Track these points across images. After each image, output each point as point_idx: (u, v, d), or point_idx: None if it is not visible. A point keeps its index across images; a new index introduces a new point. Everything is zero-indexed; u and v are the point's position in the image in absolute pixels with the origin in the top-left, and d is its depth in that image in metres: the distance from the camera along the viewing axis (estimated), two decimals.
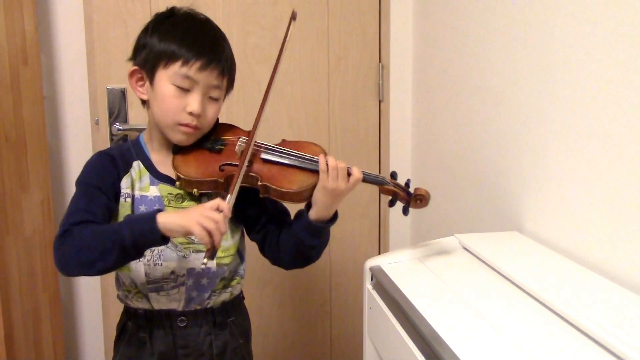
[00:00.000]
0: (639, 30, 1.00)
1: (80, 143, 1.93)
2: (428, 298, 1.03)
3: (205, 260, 1.00)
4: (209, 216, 1.00)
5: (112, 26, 1.84)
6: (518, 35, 1.37)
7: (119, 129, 1.85)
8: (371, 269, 1.21)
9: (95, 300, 2.02)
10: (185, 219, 1.01)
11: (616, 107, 1.06)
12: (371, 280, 1.21)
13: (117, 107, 1.87)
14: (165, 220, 1.01)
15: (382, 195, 1.23)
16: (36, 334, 1.76)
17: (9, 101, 1.63)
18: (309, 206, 1.17)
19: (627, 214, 1.04)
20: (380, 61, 2.08)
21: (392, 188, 1.19)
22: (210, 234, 0.99)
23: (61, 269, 1.06)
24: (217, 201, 1.03)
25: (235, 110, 1.97)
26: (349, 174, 1.15)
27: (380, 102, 2.10)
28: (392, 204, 1.21)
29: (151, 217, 1.02)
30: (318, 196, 1.14)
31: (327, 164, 1.12)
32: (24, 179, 1.70)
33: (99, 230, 1.06)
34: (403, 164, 2.13)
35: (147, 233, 1.01)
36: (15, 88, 1.66)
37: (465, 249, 1.26)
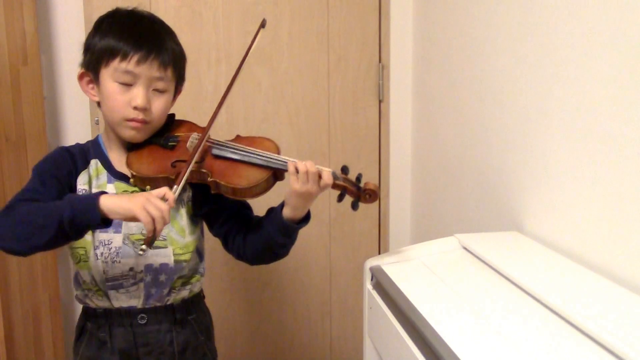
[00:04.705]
0: (639, 30, 1.00)
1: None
2: (428, 298, 1.03)
3: (143, 247, 0.99)
4: (155, 204, 0.99)
5: None
6: (518, 35, 1.37)
7: None
8: (371, 269, 1.21)
9: None
10: (130, 203, 1.00)
11: (616, 107, 1.06)
12: (371, 280, 1.21)
13: None
14: (108, 201, 1.00)
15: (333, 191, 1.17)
16: (36, 334, 1.76)
17: (9, 101, 1.63)
18: (282, 204, 1.17)
19: (627, 214, 1.04)
20: (380, 61, 2.08)
21: (342, 183, 1.15)
22: (154, 221, 0.98)
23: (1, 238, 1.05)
24: (164, 189, 1.02)
25: (235, 110, 1.98)
26: (320, 176, 1.12)
27: (380, 102, 2.10)
28: (340, 198, 1.17)
29: (94, 196, 1.01)
30: (290, 198, 1.14)
31: (296, 168, 1.11)
32: (24, 179, 1.69)
33: (41, 205, 1.05)
34: (403, 164, 2.13)
35: (87, 211, 1.00)
36: (15, 88, 1.66)
37: (465, 249, 1.26)
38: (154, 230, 0.99)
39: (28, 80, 1.74)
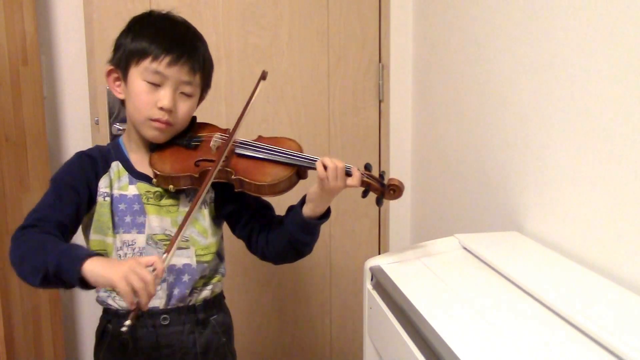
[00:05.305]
0: (639, 30, 1.00)
1: (80, 143, 1.93)
2: (428, 298, 1.03)
3: (127, 323, 0.93)
4: (139, 274, 0.93)
5: (112, 26, 1.84)
6: (518, 35, 1.37)
7: (119, 129, 1.85)
8: (371, 269, 1.21)
9: (95, 300, 2.01)
10: (112, 271, 0.94)
11: (617, 107, 1.06)
12: (371, 280, 1.21)
13: (117, 107, 1.87)
14: (92, 266, 0.96)
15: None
16: (36, 334, 1.76)
17: (9, 101, 1.63)
18: (301, 202, 1.18)
19: (628, 214, 1.04)
20: (380, 61, 2.08)
21: (366, 179, 1.17)
22: (136, 293, 0.92)
23: (11, 263, 1.05)
24: (154, 258, 0.97)
25: (235, 110, 1.97)
26: (349, 174, 1.13)
27: (380, 102, 2.10)
28: (365, 194, 1.19)
29: (81, 257, 0.97)
30: (314, 195, 1.14)
31: (324, 166, 1.11)
32: (24, 179, 1.70)
33: (44, 243, 1.04)
34: (403, 164, 2.13)
35: (68, 271, 0.97)
36: (15, 88, 1.66)
37: (465, 249, 1.26)
38: (136, 302, 0.93)
39: (28, 80, 1.73)
